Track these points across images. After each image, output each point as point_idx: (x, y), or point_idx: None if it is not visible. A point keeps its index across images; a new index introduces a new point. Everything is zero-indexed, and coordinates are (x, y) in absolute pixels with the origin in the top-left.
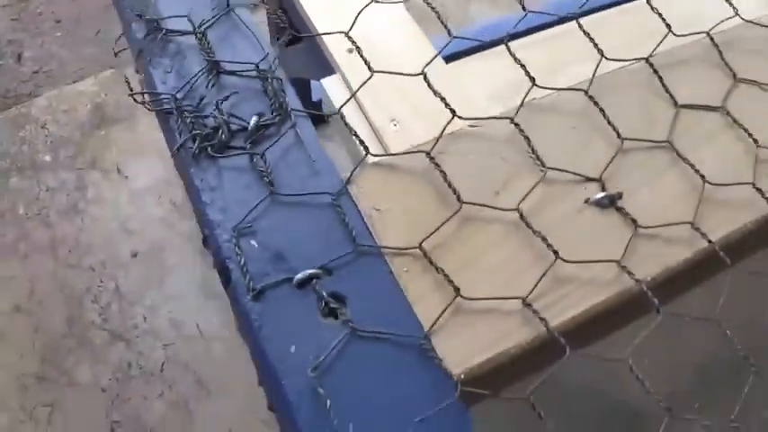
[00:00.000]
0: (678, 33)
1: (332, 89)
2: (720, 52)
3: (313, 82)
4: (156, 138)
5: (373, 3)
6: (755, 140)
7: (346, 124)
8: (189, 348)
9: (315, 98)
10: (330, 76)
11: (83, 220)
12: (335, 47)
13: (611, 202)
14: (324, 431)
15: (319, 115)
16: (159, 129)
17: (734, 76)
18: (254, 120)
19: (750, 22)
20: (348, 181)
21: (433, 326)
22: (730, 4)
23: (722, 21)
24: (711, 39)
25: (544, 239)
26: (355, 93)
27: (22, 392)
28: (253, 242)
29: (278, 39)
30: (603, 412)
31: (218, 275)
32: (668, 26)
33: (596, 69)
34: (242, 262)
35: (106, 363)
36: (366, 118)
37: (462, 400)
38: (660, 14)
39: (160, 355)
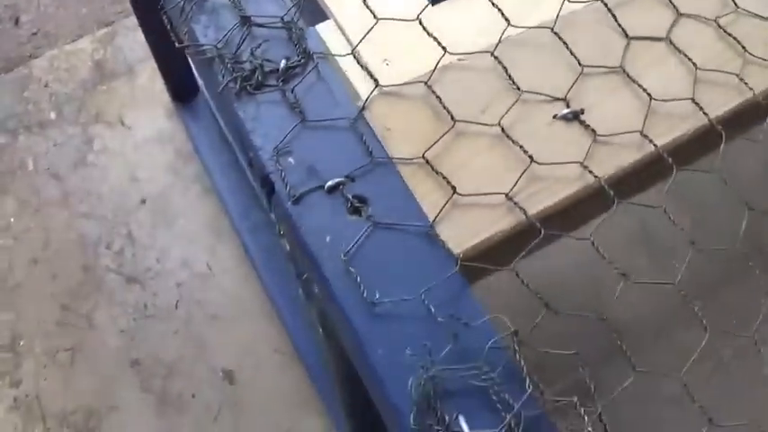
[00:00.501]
0: None
1: (326, 34)
2: None
3: None
4: (155, 89)
5: None
6: (694, 64)
7: (359, 62)
8: (200, 286)
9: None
10: (324, 23)
11: (91, 171)
12: None
13: (574, 117)
14: (355, 299)
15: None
16: (158, 80)
17: (677, 11)
18: (283, 62)
19: None
20: (363, 107)
21: (436, 217)
22: None
23: None
24: None
25: (521, 147)
26: (360, 42)
27: (45, 338)
28: (290, 159)
29: None
30: (587, 331)
31: (246, 162)
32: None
33: (560, 10)
34: (283, 175)
35: (123, 305)
36: (359, 59)
37: (462, 275)
38: None
39: (174, 294)
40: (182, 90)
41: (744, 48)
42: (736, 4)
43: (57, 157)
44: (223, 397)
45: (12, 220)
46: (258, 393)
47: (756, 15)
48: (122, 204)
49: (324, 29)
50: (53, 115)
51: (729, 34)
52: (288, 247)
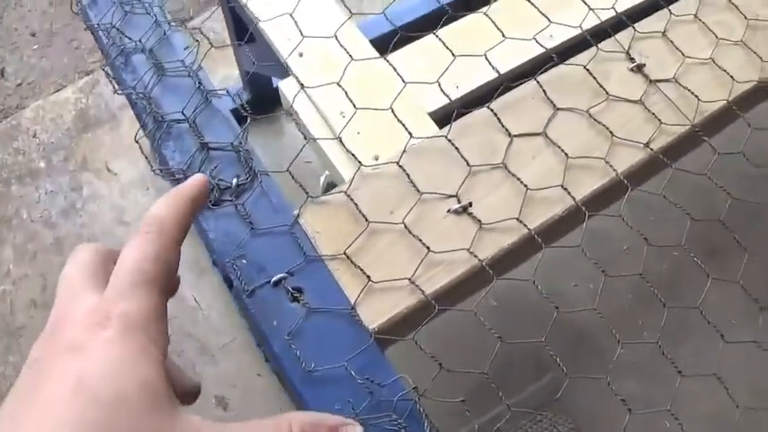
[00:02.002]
0: (513, 84)
1: (288, 91)
2: (544, 91)
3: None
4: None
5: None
6: (566, 153)
7: (295, 180)
8: (190, 319)
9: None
10: (287, 79)
11: (81, 217)
12: (285, 50)
13: (464, 210)
14: (297, 368)
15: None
16: (139, 129)
17: (554, 106)
18: (234, 181)
19: (568, 63)
20: (297, 215)
21: (355, 301)
22: (550, 53)
23: (548, 66)
24: (538, 82)
25: (420, 240)
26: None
27: None
28: (244, 261)
29: (237, 39)
30: (549, 332)
31: (211, 263)
32: (502, 79)
33: (450, 125)
34: (238, 274)
35: None
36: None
37: (376, 345)
38: (496, 70)
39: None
40: None
41: (611, 132)
42: (607, 92)
43: (48, 205)
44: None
45: (10, 266)
46: (249, 416)
47: (626, 100)
48: (112, 247)
49: (285, 85)
50: (42, 164)
51: (599, 122)
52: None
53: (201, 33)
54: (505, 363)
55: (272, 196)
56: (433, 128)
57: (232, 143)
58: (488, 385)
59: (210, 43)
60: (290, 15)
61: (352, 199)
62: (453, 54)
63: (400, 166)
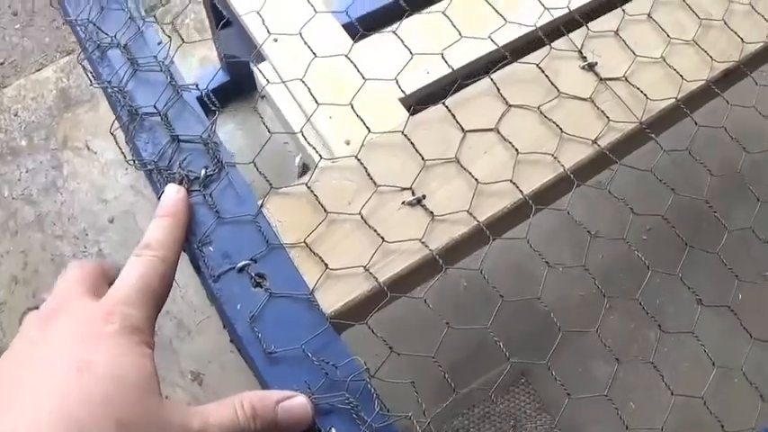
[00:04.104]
0: (467, 81)
1: (264, 75)
2: (498, 88)
3: None
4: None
5: None
6: (517, 150)
7: (259, 171)
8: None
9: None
10: (262, 63)
11: (62, 194)
12: (261, 36)
13: (418, 202)
14: (258, 350)
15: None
16: (114, 121)
17: (507, 103)
18: (203, 172)
19: (522, 62)
20: (261, 206)
21: (314, 287)
22: (504, 52)
23: (501, 64)
24: (492, 79)
25: (375, 230)
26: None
27: None
28: (210, 248)
29: (216, 23)
30: (519, 316)
31: (192, 266)
32: (457, 78)
33: (407, 120)
34: (206, 260)
35: None
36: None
37: (333, 328)
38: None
39: None
40: None
41: (561, 129)
42: (558, 90)
43: (30, 183)
44: (192, 397)
45: None
46: (223, 391)
47: (576, 97)
48: (93, 224)
49: (262, 68)
50: (24, 142)
51: (549, 119)
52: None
53: (174, 30)
54: (477, 344)
55: (237, 187)
56: (403, 113)
57: (201, 135)
58: (458, 365)
59: (182, 38)
60: (257, 13)
61: (312, 191)
62: (411, 52)
63: (358, 160)
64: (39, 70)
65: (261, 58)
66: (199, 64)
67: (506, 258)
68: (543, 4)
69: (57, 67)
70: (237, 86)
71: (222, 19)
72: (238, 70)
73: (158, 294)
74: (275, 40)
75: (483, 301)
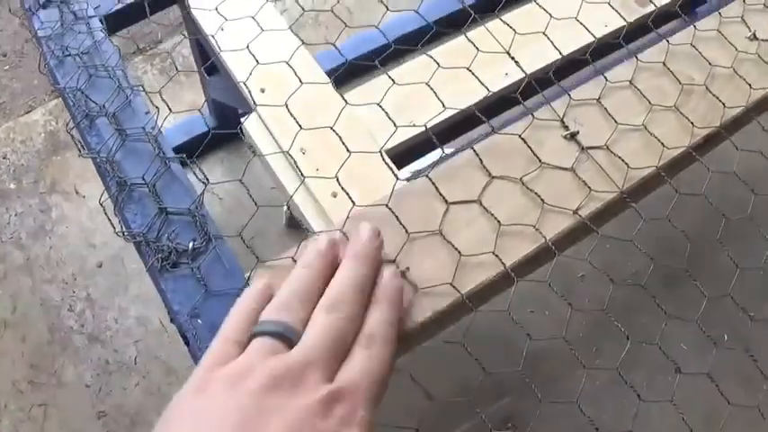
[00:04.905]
0: (448, 152)
1: (251, 128)
2: (481, 160)
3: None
4: None
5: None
6: (499, 222)
7: (246, 244)
8: (156, 341)
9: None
10: (250, 115)
11: (51, 239)
12: (249, 86)
13: (402, 275)
14: None
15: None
16: (103, 192)
17: (490, 174)
18: (191, 244)
19: (503, 133)
20: (248, 279)
21: None
22: (488, 123)
23: (483, 134)
24: (474, 150)
25: None
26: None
27: (18, 396)
28: (199, 320)
29: (204, 67)
30: (505, 359)
31: (169, 319)
32: (442, 149)
33: (391, 192)
34: (194, 333)
35: (87, 362)
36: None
37: None
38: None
39: (132, 350)
40: None
41: (542, 199)
42: (540, 160)
43: (18, 227)
44: None
45: None
46: None
47: (558, 167)
48: (81, 269)
49: (249, 122)
50: (13, 185)
51: (531, 189)
52: None
53: (162, 99)
54: (463, 387)
55: (225, 260)
56: (385, 172)
57: (189, 208)
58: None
59: (169, 108)
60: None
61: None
62: (386, 112)
63: (343, 233)
64: (27, 113)
65: (247, 106)
66: (187, 107)
67: (492, 327)
68: (524, 71)
69: (45, 109)
70: (224, 129)
71: (210, 64)
72: (226, 115)
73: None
74: (262, 91)
75: (466, 363)
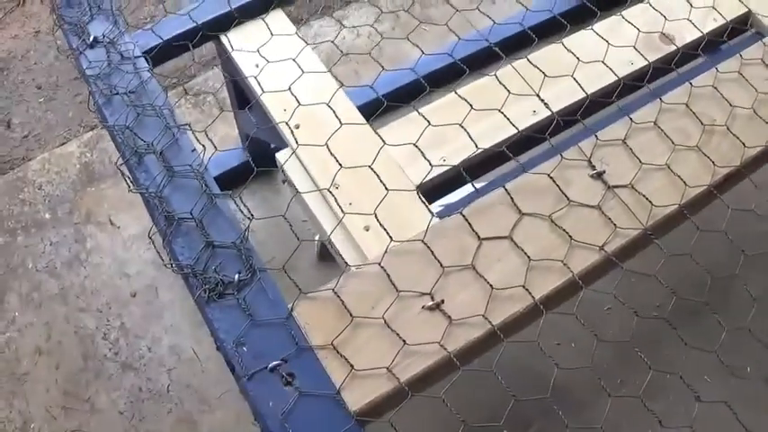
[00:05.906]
0: (478, 186)
1: (288, 164)
2: (512, 198)
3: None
4: None
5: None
6: (529, 257)
7: (290, 277)
8: (189, 370)
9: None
10: (283, 150)
11: (85, 268)
12: (282, 123)
13: (437, 307)
14: None
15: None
16: (152, 225)
17: (520, 212)
18: (236, 276)
19: (533, 172)
20: (291, 310)
21: (340, 386)
22: (517, 161)
23: (512, 171)
24: (506, 189)
25: (397, 334)
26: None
27: (51, 422)
28: (244, 348)
29: (238, 102)
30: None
31: (215, 347)
32: (473, 185)
33: (427, 228)
34: (240, 360)
35: (120, 389)
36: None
37: (358, 424)
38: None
39: (165, 378)
40: None
41: (570, 236)
42: (568, 198)
43: (53, 256)
44: None
45: (16, 314)
46: None
47: (585, 205)
48: (115, 298)
49: (282, 155)
50: (48, 216)
51: (559, 226)
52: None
53: (208, 138)
54: (489, 417)
55: (269, 291)
56: (420, 208)
57: (234, 242)
58: None
59: (215, 146)
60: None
61: (338, 296)
62: (422, 152)
63: (381, 267)
64: (62, 144)
65: (281, 139)
66: (220, 142)
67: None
68: (552, 110)
69: (80, 141)
70: (257, 162)
71: (242, 98)
72: (259, 149)
73: None
74: (297, 127)
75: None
